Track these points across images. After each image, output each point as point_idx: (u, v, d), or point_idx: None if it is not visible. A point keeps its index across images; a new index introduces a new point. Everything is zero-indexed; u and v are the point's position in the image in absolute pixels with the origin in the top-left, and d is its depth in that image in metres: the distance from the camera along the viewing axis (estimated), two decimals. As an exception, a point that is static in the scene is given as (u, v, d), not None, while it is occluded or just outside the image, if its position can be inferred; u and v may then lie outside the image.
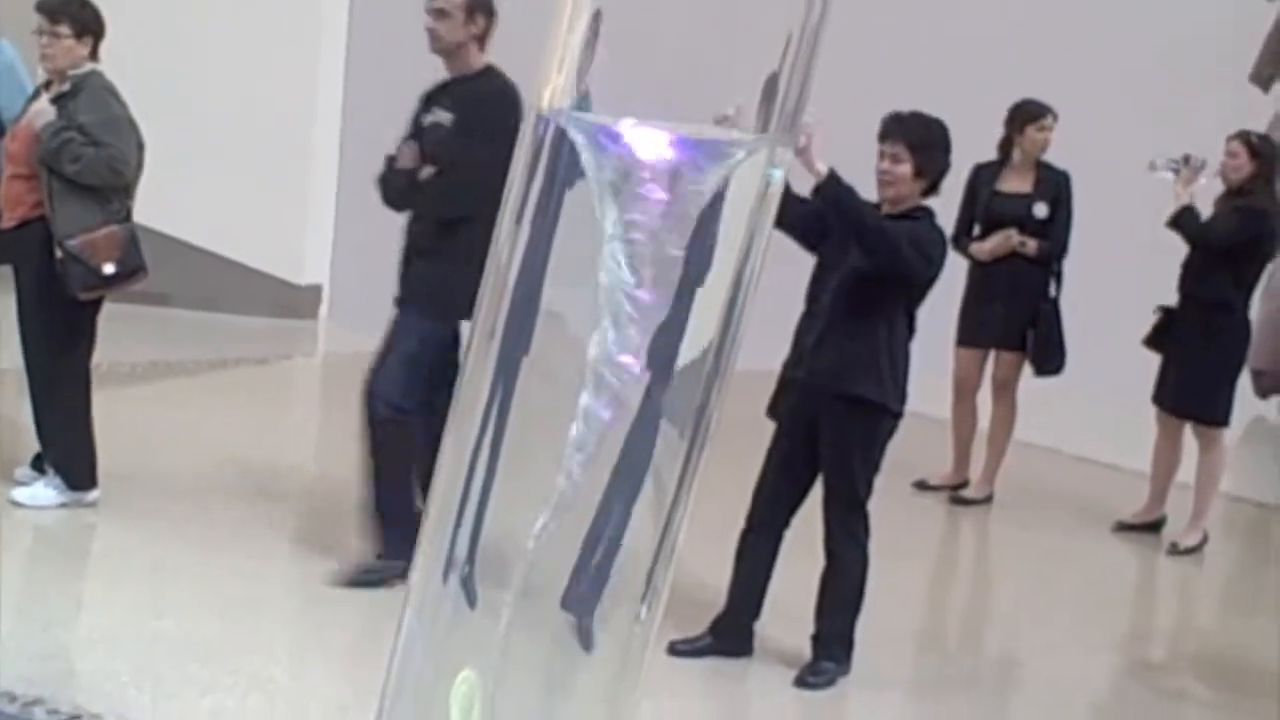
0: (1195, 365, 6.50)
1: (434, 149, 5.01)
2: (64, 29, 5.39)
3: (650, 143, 1.96)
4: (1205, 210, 6.60)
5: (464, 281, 4.89)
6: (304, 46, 10.23)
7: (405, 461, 4.96)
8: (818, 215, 4.49)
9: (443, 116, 5.04)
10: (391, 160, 5.19)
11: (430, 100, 5.15)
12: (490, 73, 5.02)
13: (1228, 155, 6.51)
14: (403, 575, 4.77)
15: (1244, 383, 6.88)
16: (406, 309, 5.15)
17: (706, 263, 2.03)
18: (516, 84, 4.84)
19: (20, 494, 5.54)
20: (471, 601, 2.12)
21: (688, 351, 2.06)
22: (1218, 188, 6.66)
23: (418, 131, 5.12)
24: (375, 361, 5.15)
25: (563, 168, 2.02)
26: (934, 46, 9.15)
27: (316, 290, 10.54)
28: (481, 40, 5.06)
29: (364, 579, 4.98)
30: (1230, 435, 6.89)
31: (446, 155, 4.96)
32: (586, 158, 2.01)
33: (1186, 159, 6.50)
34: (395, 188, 5.14)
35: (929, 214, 4.60)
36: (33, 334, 5.50)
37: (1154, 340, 6.71)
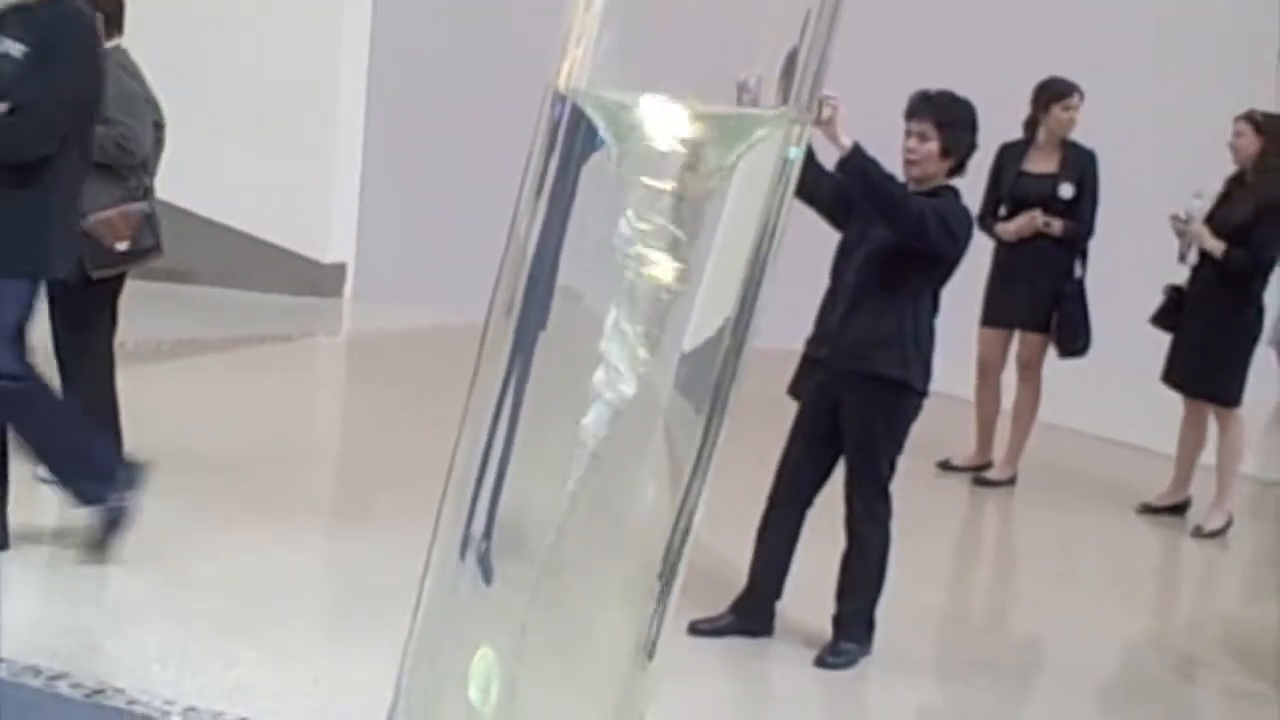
0: (1209, 344, 6.47)
1: (3, 84, 4.48)
2: None
3: (669, 119, 1.95)
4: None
5: (42, 232, 4.69)
6: (329, 22, 10.24)
7: (51, 417, 4.73)
8: (845, 191, 4.47)
9: (11, 47, 4.52)
10: None
11: None
12: None
13: (1234, 135, 6.48)
14: (119, 509, 4.74)
15: (1270, 364, 6.84)
16: None
17: (724, 240, 2.03)
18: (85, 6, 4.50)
19: (46, 470, 5.57)
20: (488, 578, 2.13)
21: (705, 329, 2.06)
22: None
23: None
24: None
25: (580, 145, 2.01)
26: (961, 24, 9.10)
27: (341, 268, 10.57)
28: None
29: (100, 532, 4.79)
30: (1258, 418, 6.85)
31: (19, 90, 4.47)
32: (605, 135, 2.00)
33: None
34: None
35: (955, 193, 4.58)
36: (55, 312, 5.52)
37: (1162, 319, 6.68)
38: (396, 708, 2.26)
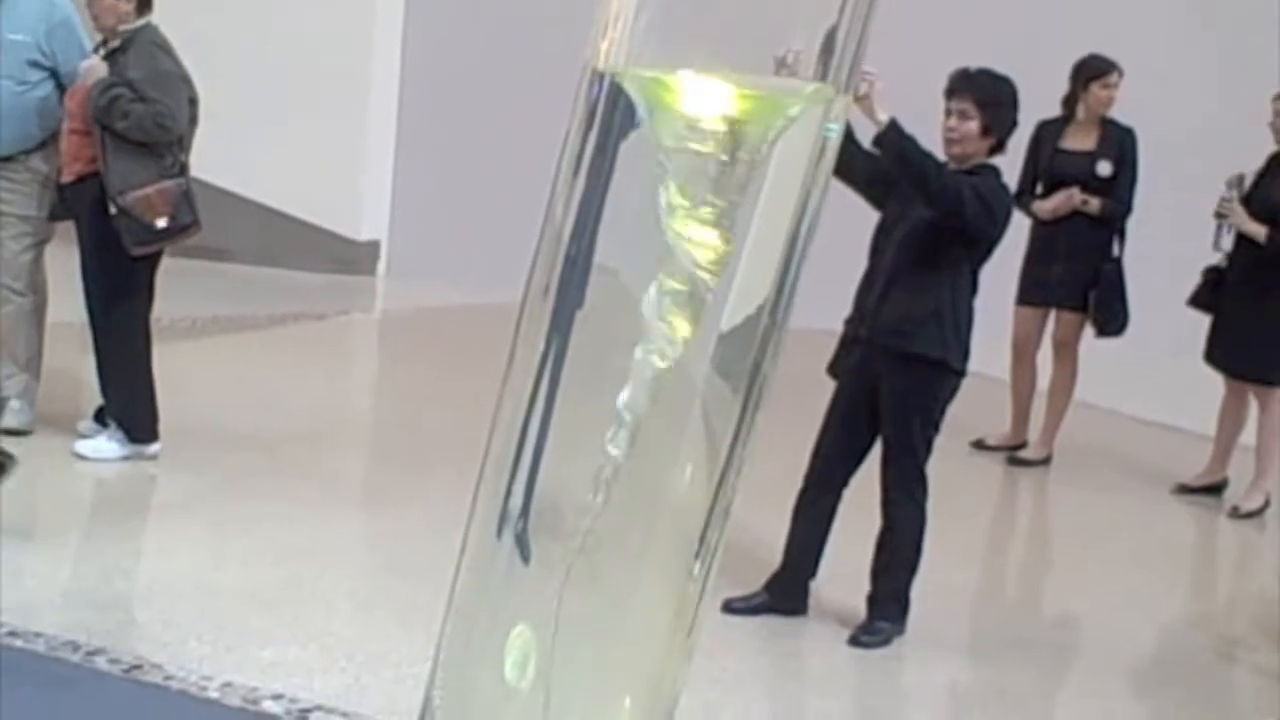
0: (1248, 323, 6.41)
1: None
2: None
3: (708, 95, 1.94)
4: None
5: None
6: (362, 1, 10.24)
7: None
8: (884, 169, 4.44)
9: None
10: None
11: None
12: None
13: (1275, 115, 6.39)
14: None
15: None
16: None
17: (762, 218, 2.02)
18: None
19: (83, 446, 5.61)
20: (526, 557, 2.13)
21: (742, 309, 2.05)
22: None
23: None
24: None
25: (618, 122, 2.00)
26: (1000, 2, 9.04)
27: (375, 246, 10.60)
28: None
29: None
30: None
31: None
32: (643, 112, 1.99)
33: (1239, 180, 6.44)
34: None
35: (995, 171, 4.55)
36: (93, 288, 5.56)
37: (1201, 300, 6.63)
38: (433, 685, 2.26)
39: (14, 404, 5.74)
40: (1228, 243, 6.45)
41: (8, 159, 5.66)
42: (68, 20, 5.72)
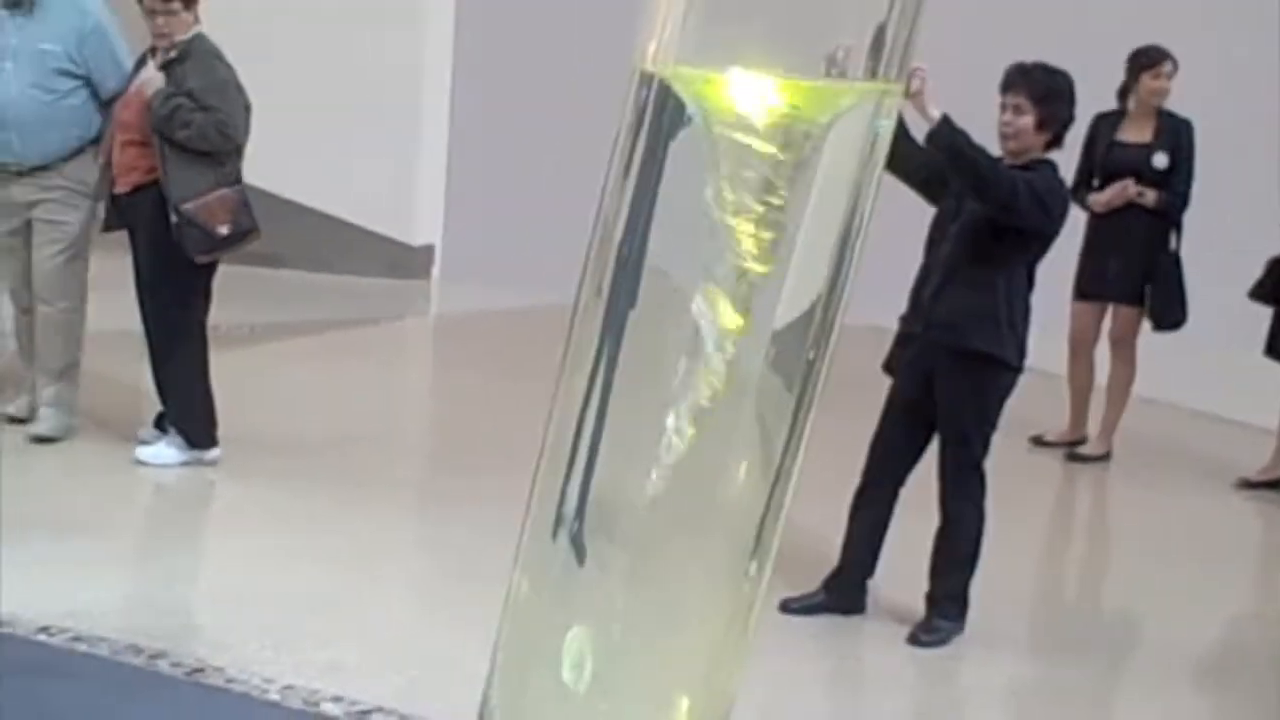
0: None
1: None
2: (176, 4, 5.45)
3: (758, 92, 1.94)
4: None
5: None
6: (415, 4, 10.29)
7: None
8: (937, 165, 4.42)
9: None
10: None
11: None
12: None
13: None
14: None
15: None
16: None
17: (814, 215, 2.01)
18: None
19: (143, 453, 5.67)
20: (581, 558, 2.13)
21: (795, 307, 2.04)
22: None
23: None
24: None
25: (668, 123, 2.00)
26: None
27: (429, 250, 10.64)
28: None
29: None
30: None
31: None
32: (693, 111, 1.99)
33: None
34: None
35: (1051, 166, 4.51)
36: (151, 296, 5.61)
37: (1263, 292, 6.53)
38: (491, 686, 2.27)
39: (44, 411, 5.80)
40: None
41: (43, 168, 5.72)
42: (99, 28, 5.76)
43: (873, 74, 1.98)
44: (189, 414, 5.67)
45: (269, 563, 4.80)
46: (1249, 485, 6.71)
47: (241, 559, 4.85)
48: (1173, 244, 6.81)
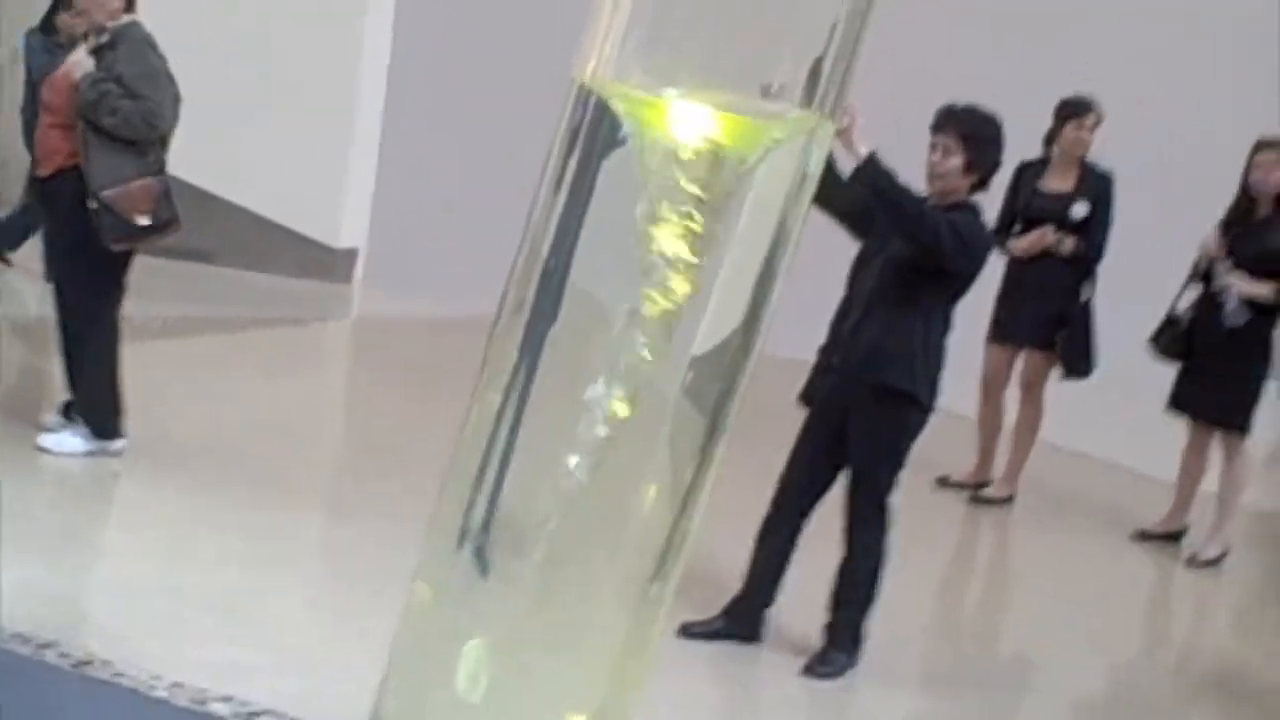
0: (1226, 372, 6.45)
1: None
2: None
3: (693, 117, 1.95)
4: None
5: None
6: (352, 5, 10.24)
7: None
8: (863, 201, 4.46)
9: None
10: None
11: None
12: None
13: (1262, 168, 6.38)
14: None
15: (1274, 398, 6.83)
16: None
17: (740, 244, 2.03)
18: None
19: (47, 440, 5.58)
20: (484, 571, 2.13)
21: (715, 334, 2.05)
22: None
23: None
24: None
25: (602, 141, 2.01)
26: (989, 38, 9.09)
27: (353, 254, 10.58)
28: None
29: None
30: (1261, 449, 6.84)
31: None
32: (628, 132, 2.00)
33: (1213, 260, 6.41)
34: None
35: (974, 209, 4.57)
36: (65, 283, 5.53)
37: (1166, 346, 6.64)
38: (384, 694, 2.26)
39: None
40: (1242, 313, 6.39)
41: None
42: None
43: (808, 106, 2.00)
44: (96, 403, 5.58)
45: (167, 558, 4.74)
46: (1146, 536, 6.83)
47: (139, 553, 4.79)
48: (1085, 293, 6.93)
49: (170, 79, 5.48)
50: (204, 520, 5.14)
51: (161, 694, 3.76)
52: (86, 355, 5.56)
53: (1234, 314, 6.35)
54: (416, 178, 10.27)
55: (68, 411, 5.69)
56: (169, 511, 5.21)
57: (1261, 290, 6.33)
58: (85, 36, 5.55)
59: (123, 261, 5.53)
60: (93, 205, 5.32)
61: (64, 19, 7.64)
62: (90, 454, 5.55)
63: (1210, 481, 6.73)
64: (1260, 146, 6.42)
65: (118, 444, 5.61)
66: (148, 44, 5.48)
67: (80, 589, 4.52)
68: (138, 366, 5.78)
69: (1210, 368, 6.47)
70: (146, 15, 5.54)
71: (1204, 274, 6.49)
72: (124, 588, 4.48)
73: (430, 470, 2.36)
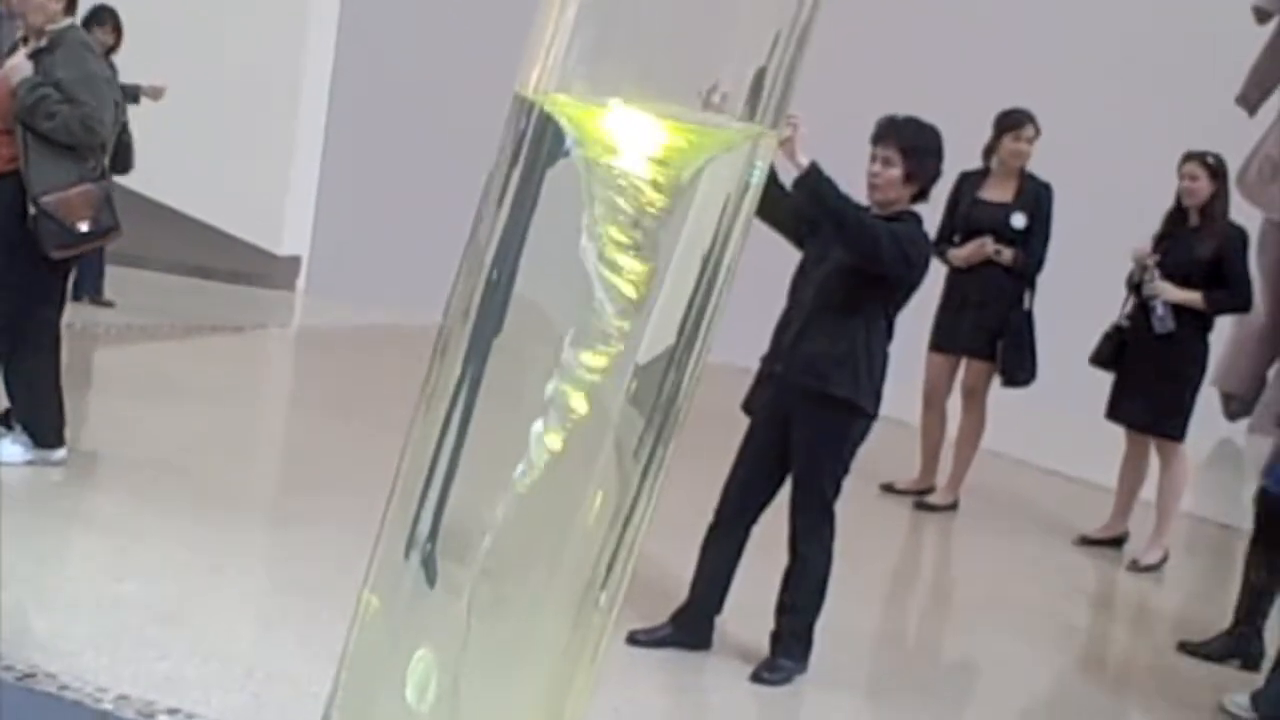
0: (1158, 380, 6.53)
1: None
2: None
3: (636, 127, 1.96)
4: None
5: None
6: (295, 14, 10.20)
7: None
8: (805, 212, 4.49)
9: None
10: None
11: None
12: None
13: (1188, 178, 6.50)
14: None
15: (1213, 404, 6.94)
16: None
17: (683, 253, 2.04)
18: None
19: None
20: (431, 580, 2.13)
21: (659, 343, 2.06)
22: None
23: None
24: None
25: (546, 152, 2.02)
26: (931, 50, 9.18)
27: (296, 261, 10.53)
28: None
29: None
30: (1198, 456, 6.93)
31: None
32: (571, 142, 2.01)
33: (1144, 268, 6.50)
34: None
35: (916, 218, 4.61)
36: (3, 290, 5.47)
37: (1102, 358, 6.73)
38: (332, 704, 2.26)
39: None
40: (1169, 321, 6.47)
41: None
42: None
43: (750, 116, 2.02)
44: (36, 412, 5.53)
45: (110, 569, 4.70)
46: (1088, 542, 6.91)
47: (81, 564, 4.74)
48: (1026, 302, 7.00)
49: (110, 83, 5.45)
50: (146, 530, 5.10)
51: (107, 707, 3.73)
52: (26, 363, 5.51)
53: (1161, 321, 6.43)
54: (360, 185, 10.25)
55: (7, 420, 5.63)
56: (110, 521, 5.16)
57: (1188, 296, 6.43)
58: (24, 40, 5.50)
59: (63, 268, 5.48)
60: (32, 211, 5.28)
61: None
62: (30, 463, 5.50)
63: (1150, 488, 6.82)
64: (1187, 158, 6.53)
65: (58, 453, 5.56)
66: (87, 48, 5.45)
67: (21, 600, 4.46)
68: (79, 374, 5.73)
69: (1143, 376, 6.55)
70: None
71: (1136, 284, 6.58)
72: (66, 599, 4.43)
73: (374, 480, 2.36)
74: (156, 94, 8.42)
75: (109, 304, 8.61)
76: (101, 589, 4.52)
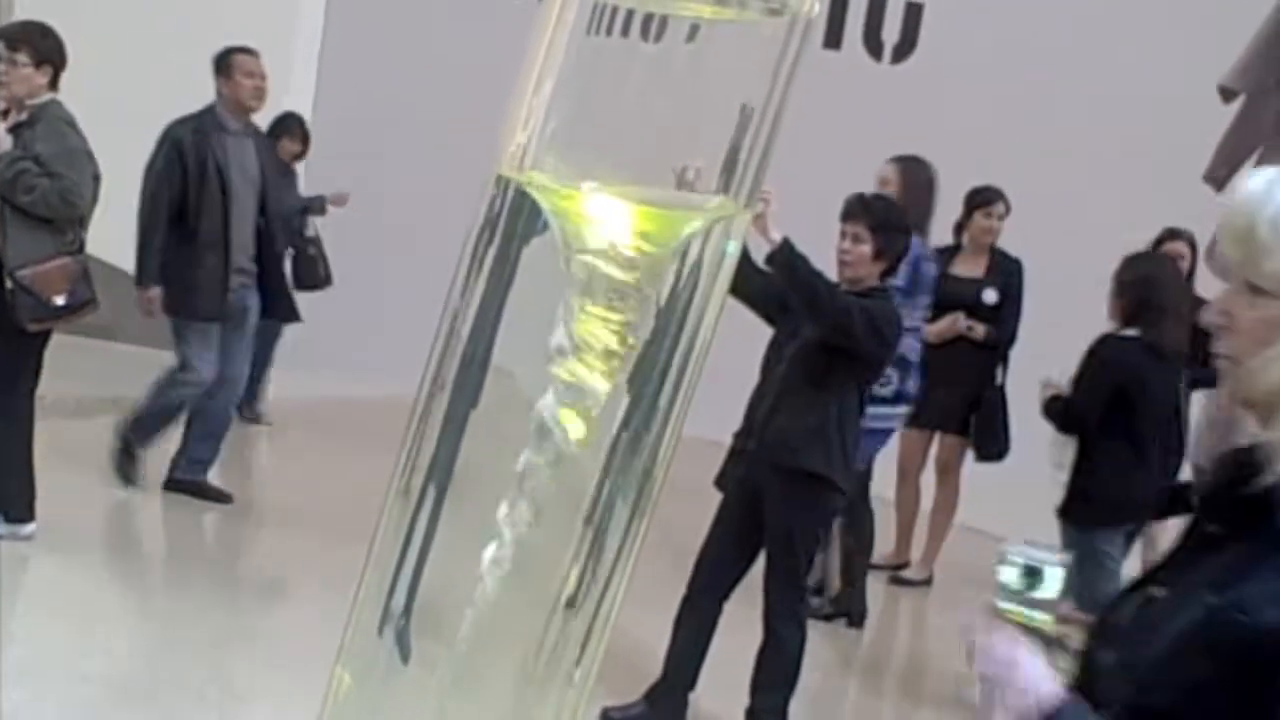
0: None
1: None
2: (23, 57, 5.38)
3: (609, 210, 1.98)
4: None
5: None
6: (270, 88, 10.25)
7: None
8: (777, 289, 4.53)
9: None
10: None
11: None
12: None
13: (1177, 257, 6.55)
14: None
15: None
16: None
17: (658, 332, 2.05)
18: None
19: None
20: (405, 656, 2.12)
21: (635, 419, 2.07)
22: None
23: None
24: None
25: (521, 228, 2.03)
26: (900, 128, 9.27)
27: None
28: None
29: None
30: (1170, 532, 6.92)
31: None
32: (549, 218, 2.03)
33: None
34: None
35: (886, 294, 4.65)
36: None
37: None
38: (304, 783, 2.23)
39: None
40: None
41: None
42: None
43: (724, 192, 2.04)
44: (7, 486, 5.49)
45: (77, 644, 4.65)
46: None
47: (46, 639, 4.69)
48: (999, 377, 7.04)
49: (90, 158, 5.46)
50: (115, 604, 5.06)
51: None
52: (-2, 436, 5.47)
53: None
54: (333, 255, 10.25)
55: (-23, 494, 5.59)
56: (79, 596, 5.12)
57: None
58: (5, 114, 5.51)
59: (38, 343, 5.47)
60: (9, 285, 5.27)
61: None
62: (0, 538, 5.45)
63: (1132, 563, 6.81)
64: (1172, 235, 6.60)
65: (28, 528, 5.51)
66: (68, 123, 5.47)
67: (-13, 677, 4.42)
68: (50, 448, 5.69)
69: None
70: (62, 91, 5.52)
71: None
72: (35, 675, 4.38)
73: (349, 553, 2.35)
74: (341, 201, 8.42)
75: (266, 423, 8.50)
76: (70, 666, 4.48)
